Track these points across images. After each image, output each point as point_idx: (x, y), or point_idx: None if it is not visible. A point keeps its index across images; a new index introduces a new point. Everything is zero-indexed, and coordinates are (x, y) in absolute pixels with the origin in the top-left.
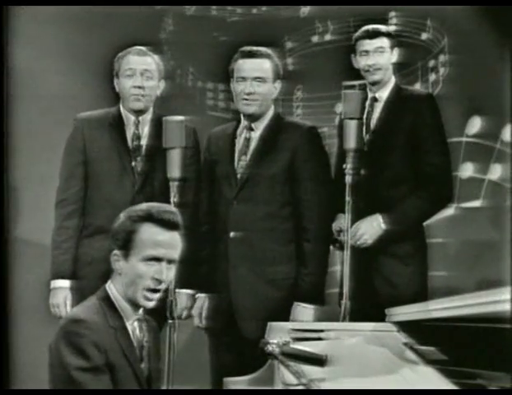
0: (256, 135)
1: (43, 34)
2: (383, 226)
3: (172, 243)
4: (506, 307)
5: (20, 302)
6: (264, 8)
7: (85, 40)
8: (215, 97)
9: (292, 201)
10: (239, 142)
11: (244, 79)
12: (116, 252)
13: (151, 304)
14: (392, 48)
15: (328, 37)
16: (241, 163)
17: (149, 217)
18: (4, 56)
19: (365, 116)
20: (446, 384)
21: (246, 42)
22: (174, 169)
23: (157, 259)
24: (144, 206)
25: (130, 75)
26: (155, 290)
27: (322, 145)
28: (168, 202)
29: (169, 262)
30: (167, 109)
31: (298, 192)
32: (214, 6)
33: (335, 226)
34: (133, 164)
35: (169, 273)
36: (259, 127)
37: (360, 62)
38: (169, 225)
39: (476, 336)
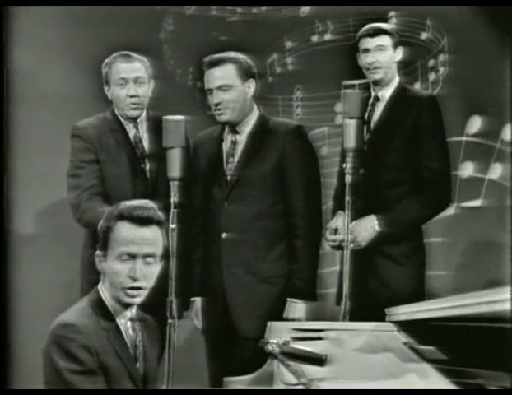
0: (242, 137)
1: (43, 34)
2: (377, 228)
3: (147, 238)
4: (506, 306)
5: (20, 301)
6: (264, 8)
7: (85, 40)
8: None
9: (282, 199)
10: (226, 145)
11: (210, 90)
12: (98, 252)
13: (136, 301)
14: (394, 46)
15: (327, 37)
16: (230, 165)
17: (121, 215)
18: (4, 56)
19: (366, 115)
20: (446, 384)
21: (246, 42)
22: (174, 169)
23: (131, 256)
24: (119, 205)
25: (122, 84)
26: (134, 288)
27: (309, 142)
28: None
29: (147, 258)
30: (167, 109)
31: (288, 190)
32: (214, 6)
33: (332, 224)
34: (142, 165)
35: (149, 269)
36: (245, 130)
37: (362, 60)
38: (141, 221)
39: (476, 336)
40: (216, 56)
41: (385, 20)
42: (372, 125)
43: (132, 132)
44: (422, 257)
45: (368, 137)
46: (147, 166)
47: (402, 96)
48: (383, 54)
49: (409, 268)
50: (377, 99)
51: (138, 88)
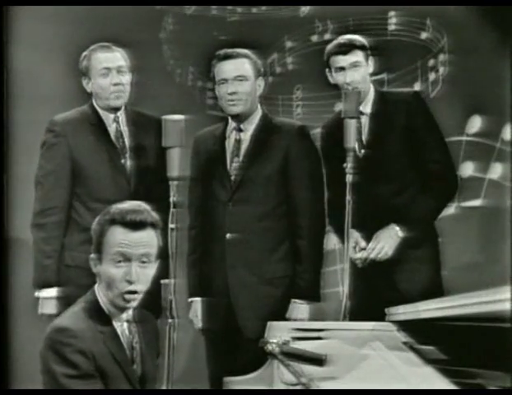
0: (246, 136)
1: (43, 34)
2: (400, 234)
3: (141, 242)
4: (506, 306)
5: (20, 301)
6: (264, 8)
7: (85, 40)
8: (215, 97)
9: (286, 199)
10: (230, 144)
11: (225, 80)
12: (92, 256)
13: (132, 305)
14: (367, 59)
15: (327, 36)
16: (234, 165)
17: (113, 220)
18: (4, 56)
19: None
20: (446, 384)
21: (246, 42)
22: (174, 169)
23: (126, 260)
24: (111, 208)
25: (105, 74)
26: (130, 292)
27: (313, 143)
28: (163, 199)
29: (142, 261)
30: (166, 108)
31: (291, 190)
32: (214, 6)
33: (350, 243)
34: (123, 161)
35: (144, 271)
36: (249, 129)
37: (337, 78)
38: (134, 225)
39: (476, 335)
40: (232, 50)
41: (385, 21)
42: (364, 140)
43: (112, 127)
44: (438, 254)
45: (364, 154)
46: (128, 162)
47: (383, 104)
48: (358, 71)
49: (428, 265)
50: (361, 113)
51: (122, 77)
